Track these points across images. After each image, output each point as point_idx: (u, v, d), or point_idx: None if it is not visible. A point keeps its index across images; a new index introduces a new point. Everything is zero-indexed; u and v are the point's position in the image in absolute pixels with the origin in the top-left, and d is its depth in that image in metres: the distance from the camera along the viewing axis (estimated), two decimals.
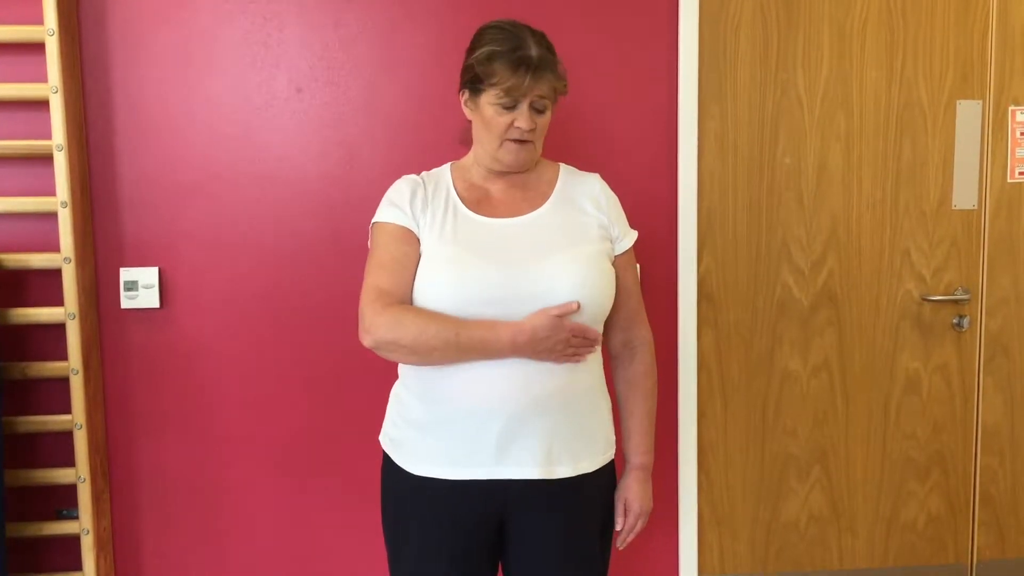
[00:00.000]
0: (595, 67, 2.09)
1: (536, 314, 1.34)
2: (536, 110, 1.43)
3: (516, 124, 1.41)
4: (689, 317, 2.19)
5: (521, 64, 1.38)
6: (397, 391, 1.52)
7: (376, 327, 1.34)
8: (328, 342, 2.09)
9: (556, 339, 1.34)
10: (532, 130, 1.42)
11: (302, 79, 2.05)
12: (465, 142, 1.57)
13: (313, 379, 2.10)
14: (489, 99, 1.42)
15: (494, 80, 1.38)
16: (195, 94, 2.02)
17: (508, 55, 1.39)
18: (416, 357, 1.36)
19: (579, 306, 1.36)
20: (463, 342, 1.32)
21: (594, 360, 1.48)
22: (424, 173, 1.53)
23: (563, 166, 1.56)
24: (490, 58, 1.40)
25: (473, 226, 1.43)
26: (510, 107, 1.41)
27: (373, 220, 1.49)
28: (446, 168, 1.55)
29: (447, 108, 1.99)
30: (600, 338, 1.42)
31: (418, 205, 1.44)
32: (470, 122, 1.51)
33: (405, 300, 1.39)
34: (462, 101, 1.49)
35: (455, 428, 1.39)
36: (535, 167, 1.53)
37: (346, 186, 2.06)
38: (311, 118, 2.05)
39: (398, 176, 1.56)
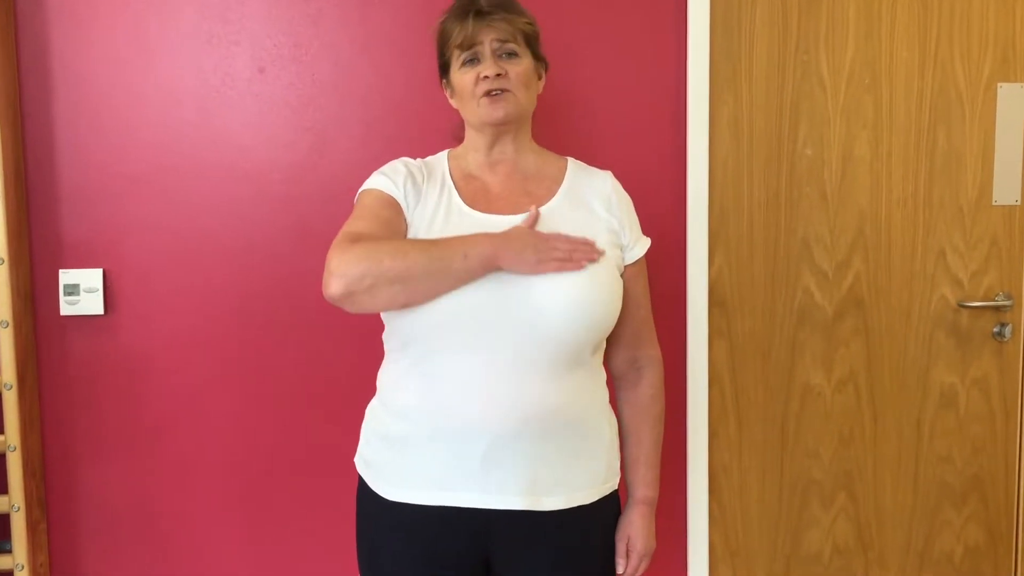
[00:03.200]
0: (593, 45, 1.97)
1: (511, 228, 1.32)
2: (506, 55, 1.39)
3: (482, 73, 1.37)
4: (699, 326, 2.07)
5: (466, 12, 1.38)
6: (373, 407, 1.45)
7: (343, 264, 1.25)
8: (296, 353, 1.97)
9: (531, 244, 1.28)
10: (501, 75, 1.37)
11: (265, 57, 1.92)
12: (458, 137, 1.52)
13: (279, 394, 1.97)
14: (455, 67, 1.41)
15: (449, 39, 1.40)
16: (145, 74, 1.89)
17: (455, 10, 1.41)
18: (399, 287, 1.26)
19: (538, 214, 1.36)
20: (442, 254, 1.26)
21: (596, 378, 1.41)
22: (420, 159, 1.49)
23: (572, 160, 1.51)
24: (443, 24, 1.43)
25: (466, 222, 1.37)
26: (472, 61, 1.39)
27: (360, 190, 1.44)
28: (443, 155, 1.50)
29: (431, 90, 1.84)
30: (597, 250, 1.36)
31: (411, 190, 1.40)
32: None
33: None
34: (447, 95, 1.48)
35: (434, 447, 1.32)
36: (539, 157, 1.48)
37: (315, 177, 1.94)
38: (275, 101, 1.93)
39: (374, 167, 1.48)
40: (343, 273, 1.25)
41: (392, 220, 1.36)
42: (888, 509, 2.20)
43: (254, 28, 1.90)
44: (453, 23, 1.40)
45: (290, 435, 1.99)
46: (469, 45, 1.38)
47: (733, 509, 2.18)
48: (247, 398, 1.98)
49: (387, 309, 1.34)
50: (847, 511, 2.19)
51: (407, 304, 1.29)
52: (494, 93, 1.38)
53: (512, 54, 1.40)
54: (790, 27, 2.07)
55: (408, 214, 1.38)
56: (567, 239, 1.31)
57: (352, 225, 1.35)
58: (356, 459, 1.47)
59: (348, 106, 1.94)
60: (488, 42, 1.38)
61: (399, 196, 1.39)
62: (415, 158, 1.50)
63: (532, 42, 1.44)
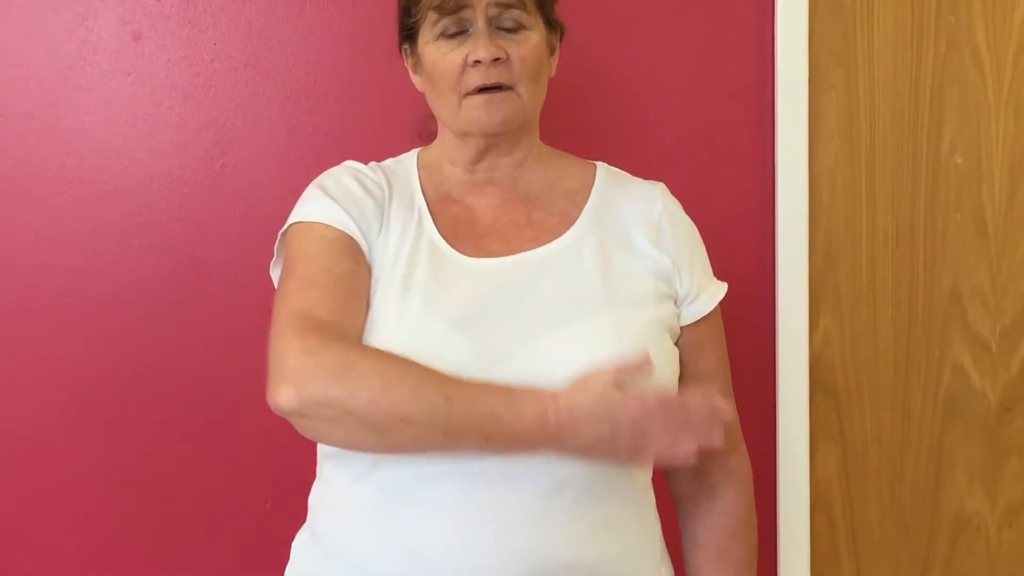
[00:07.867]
0: (639, 9, 1.70)
1: (580, 383, 1.06)
2: (504, 29, 1.21)
3: (472, 57, 1.18)
4: (796, 421, 1.74)
5: None
6: (302, 544, 1.24)
7: (306, 373, 1.04)
8: (184, 457, 1.64)
9: (621, 428, 1.05)
10: (500, 60, 1.18)
11: (142, 19, 1.63)
12: (422, 133, 1.33)
13: (159, 512, 1.64)
14: (427, 37, 1.23)
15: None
16: None
17: None
18: (375, 436, 1.07)
19: (651, 362, 1.09)
20: (457, 415, 1.02)
21: (641, 505, 1.23)
22: (374, 164, 1.29)
23: (602, 167, 1.32)
24: None
25: (445, 267, 1.19)
26: (457, 33, 1.21)
27: (290, 221, 1.25)
28: (410, 161, 1.30)
29: (383, 67, 1.62)
30: (729, 412, 1.14)
31: (372, 212, 1.20)
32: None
33: (353, 338, 1.14)
34: (408, 67, 1.31)
35: None
36: (549, 167, 1.29)
37: (217, 195, 1.67)
38: (158, 83, 1.64)
39: (300, 180, 1.27)
40: (301, 385, 1.05)
41: (353, 275, 1.16)
42: None
43: None
44: None
45: None
46: (454, 8, 1.17)
47: None
48: (108, 528, 1.63)
49: (348, 449, 1.15)
50: None
51: (377, 453, 1.13)
52: (489, 90, 1.20)
53: (516, 26, 1.19)
54: None
55: (368, 251, 1.18)
56: (684, 405, 1.06)
57: (300, 294, 1.13)
58: None
59: (263, 90, 1.64)
60: (482, 8, 1.18)
61: (353, 229, 1.17)
62: (366, 163, 1.28)
63: (546, 6, 1.24)
